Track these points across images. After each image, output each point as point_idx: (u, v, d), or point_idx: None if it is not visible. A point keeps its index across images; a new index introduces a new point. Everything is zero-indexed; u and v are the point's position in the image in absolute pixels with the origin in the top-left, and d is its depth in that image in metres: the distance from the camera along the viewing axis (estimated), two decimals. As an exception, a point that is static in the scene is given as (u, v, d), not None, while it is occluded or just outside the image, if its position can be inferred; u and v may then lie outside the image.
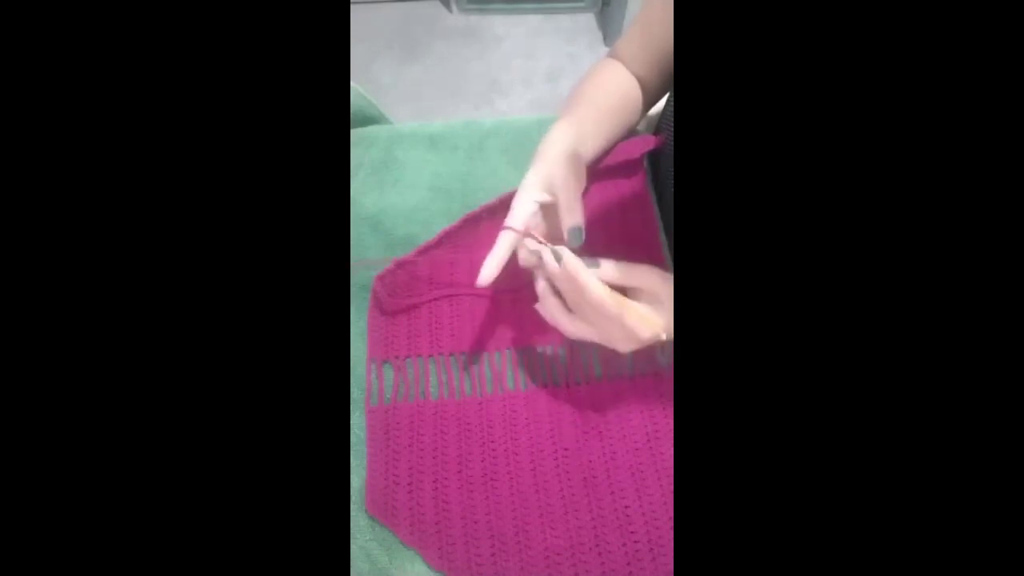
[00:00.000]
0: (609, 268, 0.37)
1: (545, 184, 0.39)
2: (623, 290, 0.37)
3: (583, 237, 0.37)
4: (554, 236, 0.39)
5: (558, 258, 0.35)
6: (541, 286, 0.38)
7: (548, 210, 0.40)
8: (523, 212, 0.38)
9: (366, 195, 0.54)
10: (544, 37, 1.56)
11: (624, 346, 0.37)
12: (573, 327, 0.37)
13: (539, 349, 0.47)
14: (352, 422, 0.44)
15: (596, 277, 0.35)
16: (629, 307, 0.35)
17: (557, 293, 0.38)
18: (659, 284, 0.37)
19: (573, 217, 0.37)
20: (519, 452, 0.42)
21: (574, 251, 0.35)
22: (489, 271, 0.38)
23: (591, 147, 0.45)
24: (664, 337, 0.36)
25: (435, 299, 0.49)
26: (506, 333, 0.47)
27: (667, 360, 0.46)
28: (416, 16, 1.59)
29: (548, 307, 0.38)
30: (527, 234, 0.38)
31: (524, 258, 0.39)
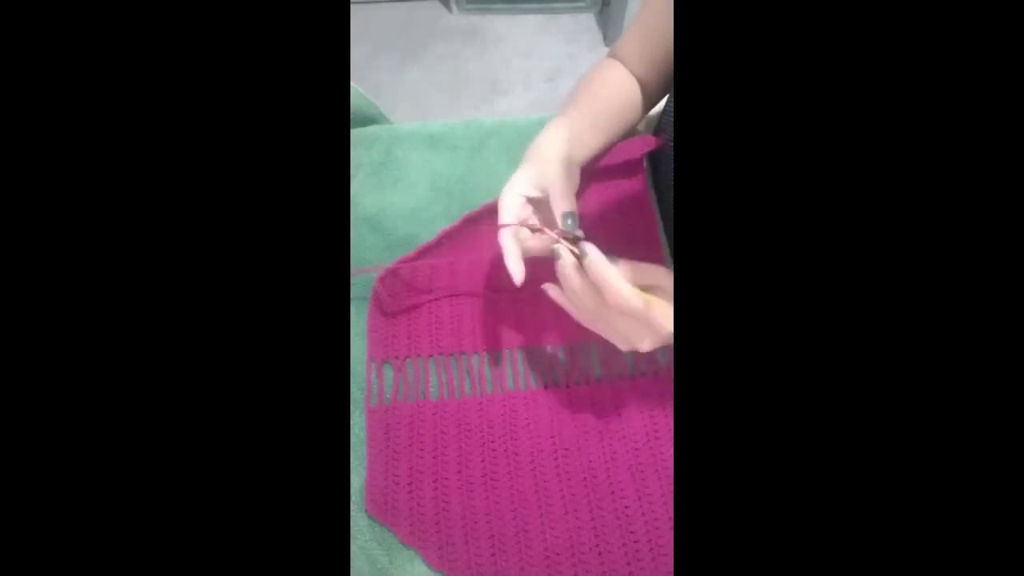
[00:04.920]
0: (624, 267, 0.35)
1: (535, 181, 0.39)
2: (642, 288, 0.36)
3: (578, 223, 0.37)
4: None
5: (582, 255, 0.33)
6: (563, 264, 0.35)
7: (538, 205, 0.40)
8: (512, 208, 0.39)
9: (366, 195, 0.54)
10: (544, 37, 1.56)
11: (648, 343, 0.35)
12: (594, 311, 0.34)
13: (539, 349, 0.47)
14: (352, 422, 0.44)
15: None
16: (654, 302, 0.34)
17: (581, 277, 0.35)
18: (670, 282, 0.36)
19: (566, 205, 0.37)
20: (519, 452, 0.43)
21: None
22: (517, 269, 0.37)
23: (586, 146, 0.45)
24: None
25: (435, 299, 0.49)
26: (506, 333, 0.47)
27: (667, 360, 0.46)
28: (416, 16, 1.59)
29: (572, 286, 0.34)
30: (524, 224, 0.38)
31: (536, 248, 0.39)
